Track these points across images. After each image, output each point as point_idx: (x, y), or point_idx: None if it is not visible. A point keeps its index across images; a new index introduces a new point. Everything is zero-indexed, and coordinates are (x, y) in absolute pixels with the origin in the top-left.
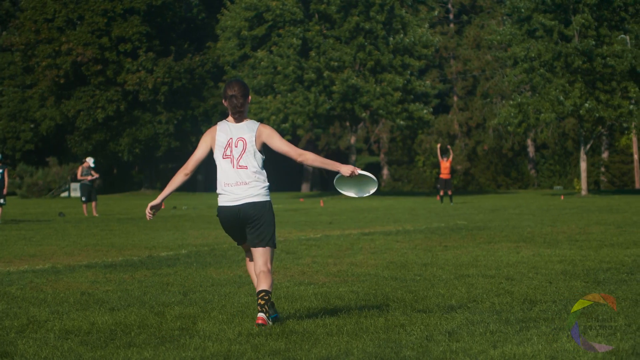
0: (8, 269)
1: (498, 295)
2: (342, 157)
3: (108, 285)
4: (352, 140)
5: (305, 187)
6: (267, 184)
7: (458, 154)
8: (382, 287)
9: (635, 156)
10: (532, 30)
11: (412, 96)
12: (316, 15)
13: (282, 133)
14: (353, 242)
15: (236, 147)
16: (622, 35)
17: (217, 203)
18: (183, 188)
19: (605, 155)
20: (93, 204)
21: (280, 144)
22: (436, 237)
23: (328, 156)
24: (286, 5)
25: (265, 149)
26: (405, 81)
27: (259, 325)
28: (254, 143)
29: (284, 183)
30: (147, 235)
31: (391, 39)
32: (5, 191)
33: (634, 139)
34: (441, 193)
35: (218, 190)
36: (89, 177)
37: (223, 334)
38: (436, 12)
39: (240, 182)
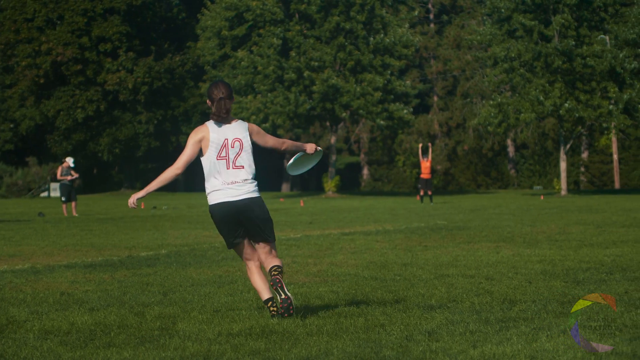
0: None
1: (478, 295)
2: (322, 157)
3: (88, 286)
4: (332, 140)
5: (285, 187)
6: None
7: (438, 153)
8: (362, 287)
9: (615, 156)
10: (512, 30)
11: (392, 96)
12: (296, 15)
13: None
14: (333, 242)
15: (232, 147)
16: (602, 36)
17: (198, 203)
18: (163, 188)
19: (584, 155)
20: (73, 204)
21: (270, 140)
22: (416, 237)
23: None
24: (266, 5)
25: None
26: (386, 81)
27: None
28: (250, 143)
29: (264, 183)
30: (127, 235)
31: (371, 39)
32: None
33: (614, 139)
34: (421, 193)
35: (211, 189)
36: (69, 177)
37: (203, 334)
38: (416, 12)
39: (237, 181)
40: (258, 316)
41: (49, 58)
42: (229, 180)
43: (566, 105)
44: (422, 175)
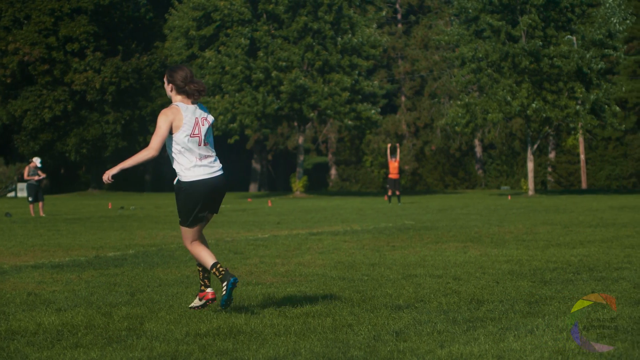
0: None
1: (445, 295)
2: (290, 157)
3: (55, 286)
4: (300, 140)
5: (253, 187)
6: None
7: (406, 154)
8: (329, 287)
9: (582, 156)
10: (479, 30)
11: (360, 96)
12: (264, 15)
13: (230, 133)
14: (301, 242)
15: (202, 125)
16: (569, 36)
17: (165, 203)
18: (130, 188)
19: (552, 155)
20: (40, 204)
21: None
22: (384, 237)
23: (276, 156)
24: (234, 5)
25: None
26: (353, 81)
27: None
28: (211, 122)
29: (231, 183)
30: (94, 235)
31: (339, 39)
32: None
33: (581, 140)
34: (389, 193)
35: (189, 165)
36: (36, 177)
37: (170, 334)
38: (384, 13)
39: (208, 156)
40: (226, 316)
41: (16, 58)
42: (203, 155)
43: (533, 105)
44: (390, 176)
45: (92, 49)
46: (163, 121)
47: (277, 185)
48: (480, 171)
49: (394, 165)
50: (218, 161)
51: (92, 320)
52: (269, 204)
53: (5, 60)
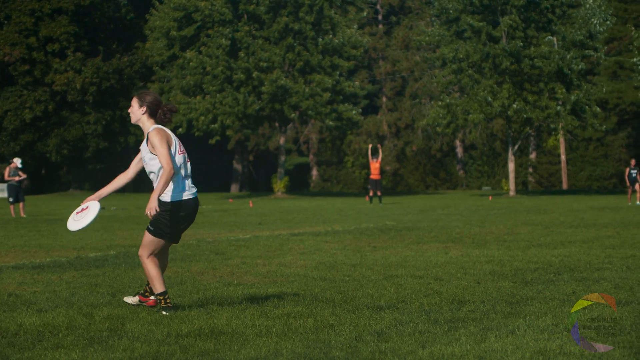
0: None
1: (427, 295)
2: (271, 158)
3: (36, 287)
4: (282, 140)
5: (234, 188)
6: None
7: (387, 154)
8: (311, 288)
9: (563, 157)
10: (460, 31)
11: (341, 97)
12: (245, 16)
13: (212, 134)
14: (282, 242)
15: (180, 144)
16: (550, 37)
17: (146, 204)
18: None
19: (533, 156)
20: (21, 204)
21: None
22: (365, 238)
23: (257, 157)
24: (215, 6)
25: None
26: (335, 82)
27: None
28: None
29: (213, 184)
30: (75, 236)
31: (320, 39)
32: None
33: (561, 140)
34: (370, 193)
35: (180, 184)
36: (17, 178)
37: (152, 334)
38: (365, 13)
39: (189, 177)
40: (207, 317)
41: None
42: (188, 175)
43: (514, 106)
44: (372, 176)
45: (72, 49)
46: (161, 141)
47: (258, 185)
48: (461, 172)
49: (375, 165)
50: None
51: (74, 321)
52: (250, 205)
53: None
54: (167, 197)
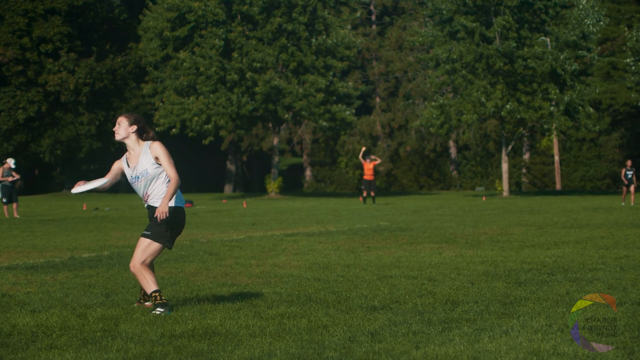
0: None
1: (420, 296)
2: (265, 158)
3: (29, 287)
4: (275, 141)
5: (228, 189)
6: None
7: (381, 155)
8: (305, 288)
9: (556, 157)
10: (453, 31)
11: (334, 97)
12: (239, 16)
13: (205, 134)
14: (276, 243)
15: None
16: (543, 37)
17: (139, 204)
18: (108, 189)
19: (526, 156)
20: (14, 205)
21: None
22: (359, 238)
23: (251, 157)
24: (208, 6)
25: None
26: (328, 82)
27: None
28: None
29: (206, 184)
30: (69, 236)
31: (314, 40)
32: None
33: (555, 141)
34: (364, 194)
35: (177, 194)
36: (10, 178)
37: (145, 335)
38: (358, 14)
39: None
40: (201, 317)
41: None
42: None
43: (507, 106)
44: (365, 177)
45: (66, 49)
46: (167, 152)
47: (252, 186)
48: (454, 172)
49: (368, 166)
50: None
51: (67, 322)
52: (244, 205)
53: None
54: (171, 202)
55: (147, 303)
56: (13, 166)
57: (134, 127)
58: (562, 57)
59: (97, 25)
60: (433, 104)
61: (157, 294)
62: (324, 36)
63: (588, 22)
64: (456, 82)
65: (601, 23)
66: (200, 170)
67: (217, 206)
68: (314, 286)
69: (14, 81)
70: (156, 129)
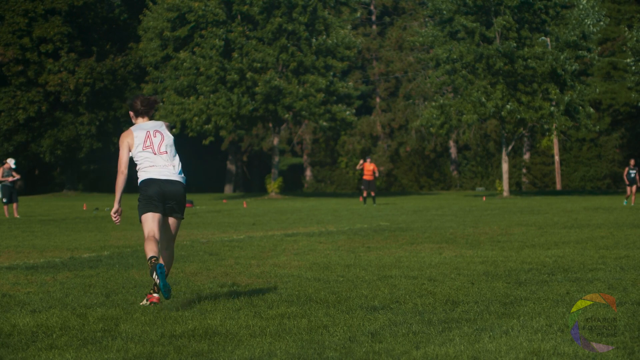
0: None
1: (421, 296)
2: (265, 158)
3: (29, 287)
4: (275, 141)
5: (228, 189)
6: None
7: (381, 155)
8: (305, 288)
9: (556, 157)
10: (454, 32)
11: (334, 97)
12: (239, 17)
13: (205, 134)
14: (276, 243)
15: (155, 137)
16: (543, 38)
17: (137, 204)
18: (105, 189)
19: (526, 156)
20: (14, 205)
21: None
22: (359, 238)
23: (251, 157)
24: (209, 7)
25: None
26: (328, 82)
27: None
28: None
29: (207, 184)
30: (69, 236)
31: (314, 40)
32: None
33: (555, 141)
34: (364, 194)
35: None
36: (10, 178)
37: (146, 335)
38: (358, 14)
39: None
40: (201, 317)
41: None
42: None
43: (508, 106)
44: (365, 177)
45: (66, 49)
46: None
47: (252, 186)
48: (455, 172)
49: (368, 167)
50: (174, 169)
51: (67, 322)
52: (244, 205)
53: None
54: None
55: (143, 302)
56: (13, 166)
57: (131, 113)
58: (562, 57)
59: (98, 26)
60: (433, 104)
61: (149, 261)
62: (324, 36)
63: (588, 22)
64: (456, 82)
65: (601, 23)
66: (200, 170)
67: (217, 206)
68: (314, 286)
69: (14, 81)
70: None
